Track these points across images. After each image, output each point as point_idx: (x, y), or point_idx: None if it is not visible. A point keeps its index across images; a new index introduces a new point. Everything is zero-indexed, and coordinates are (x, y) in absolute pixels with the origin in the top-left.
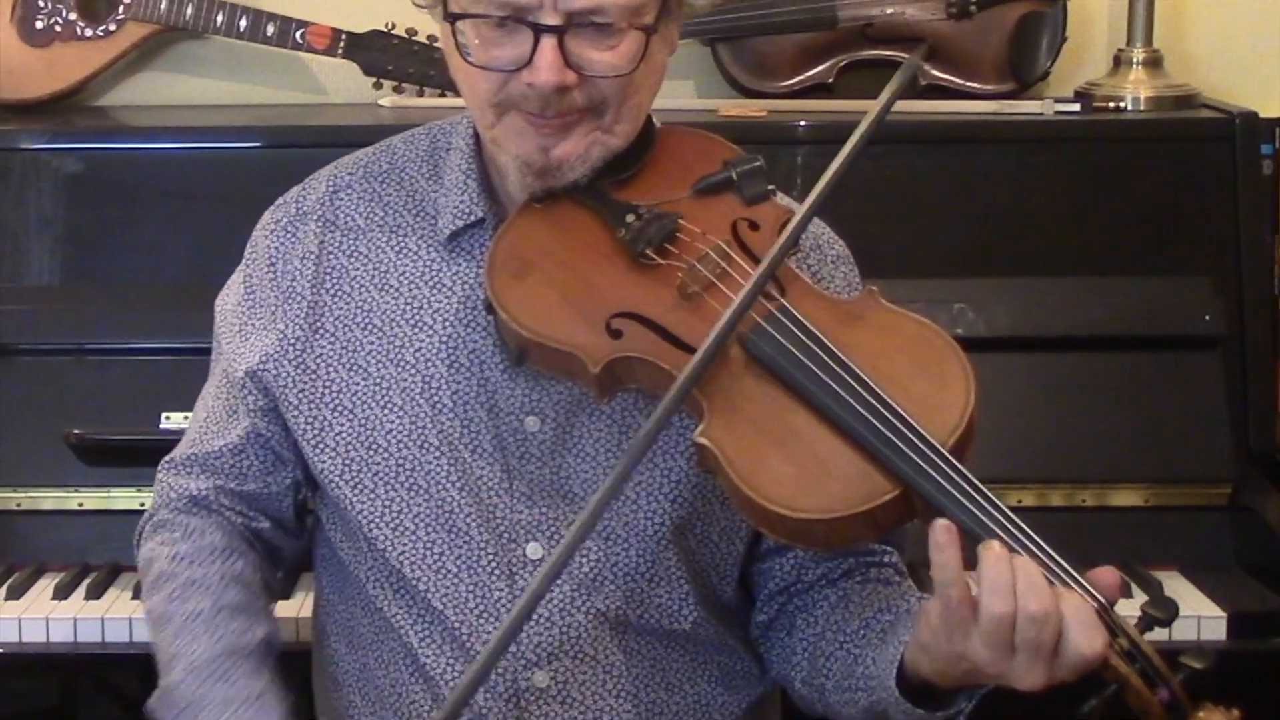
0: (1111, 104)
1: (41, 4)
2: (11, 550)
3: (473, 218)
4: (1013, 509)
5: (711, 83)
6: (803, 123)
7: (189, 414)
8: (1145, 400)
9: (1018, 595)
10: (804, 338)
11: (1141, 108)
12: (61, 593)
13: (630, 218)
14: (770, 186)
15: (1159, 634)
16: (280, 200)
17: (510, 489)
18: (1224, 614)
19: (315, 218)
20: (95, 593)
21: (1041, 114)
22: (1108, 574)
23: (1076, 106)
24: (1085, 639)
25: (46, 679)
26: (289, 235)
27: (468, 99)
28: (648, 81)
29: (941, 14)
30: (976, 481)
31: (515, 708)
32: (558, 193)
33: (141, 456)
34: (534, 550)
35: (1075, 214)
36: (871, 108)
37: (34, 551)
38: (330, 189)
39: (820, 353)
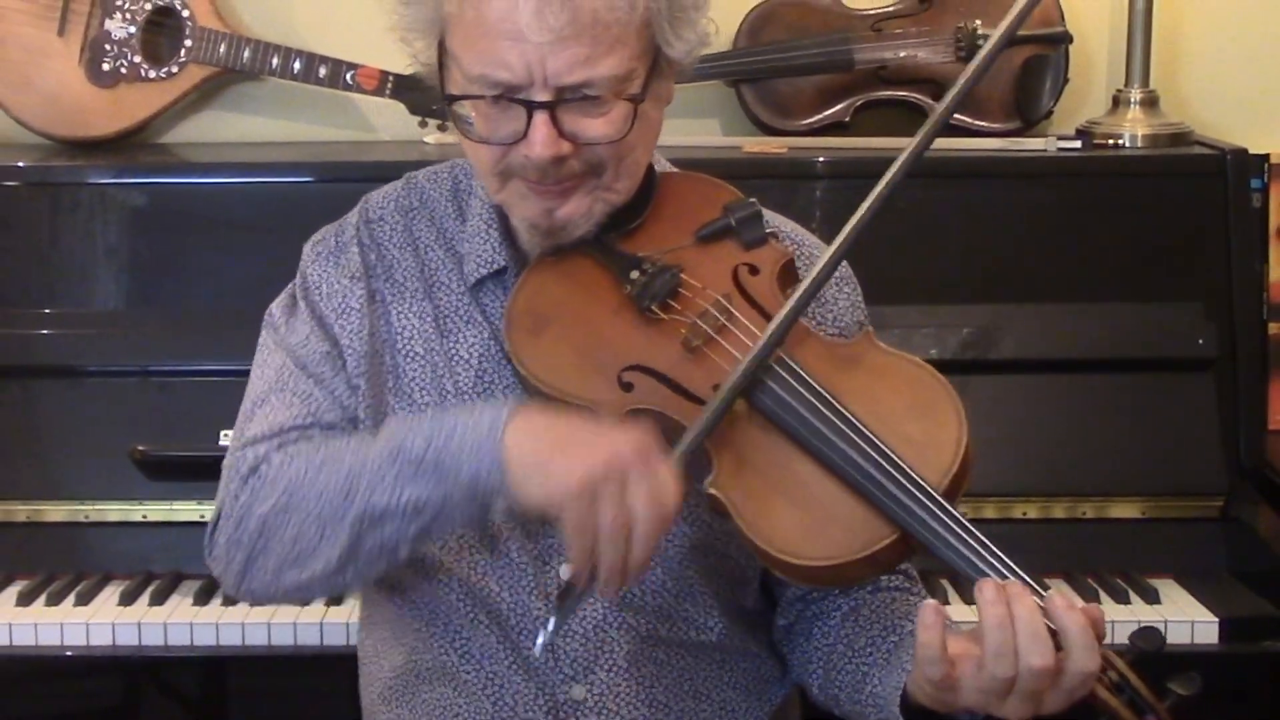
0: (1110, 141)
1: (108, 47)
2: (80, 559)
3: (495, 266)
4: (1017, 520)
5: (735, 121)
6: (821, 159)
7: None
8: (1142, 418)
9: (1019, 654)
10: (803, 390)
11: (1139, 145)
12: (126, 599)
13: (635, 273)
14: (770, 230)
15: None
16: (316, 235)
17: (544, 520)
18: (1216, 619)
19: (355, 244)
20: (158, 599)
21: (1045, 150)
22: (1093, 611)
23: (1078, 144)
24: (1086, 658)
25: (111, 680)
26: (334, 261)
27: (474, 168)
28: (643, 139)
29: (951, 57)
30: (967, 523)
31: None
32: (568, 246)
33: (201, 471)
34: (565, 571)
35: (1077, 244)
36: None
37: (101, 560)
38: (364, 219)
39: (818, 404)
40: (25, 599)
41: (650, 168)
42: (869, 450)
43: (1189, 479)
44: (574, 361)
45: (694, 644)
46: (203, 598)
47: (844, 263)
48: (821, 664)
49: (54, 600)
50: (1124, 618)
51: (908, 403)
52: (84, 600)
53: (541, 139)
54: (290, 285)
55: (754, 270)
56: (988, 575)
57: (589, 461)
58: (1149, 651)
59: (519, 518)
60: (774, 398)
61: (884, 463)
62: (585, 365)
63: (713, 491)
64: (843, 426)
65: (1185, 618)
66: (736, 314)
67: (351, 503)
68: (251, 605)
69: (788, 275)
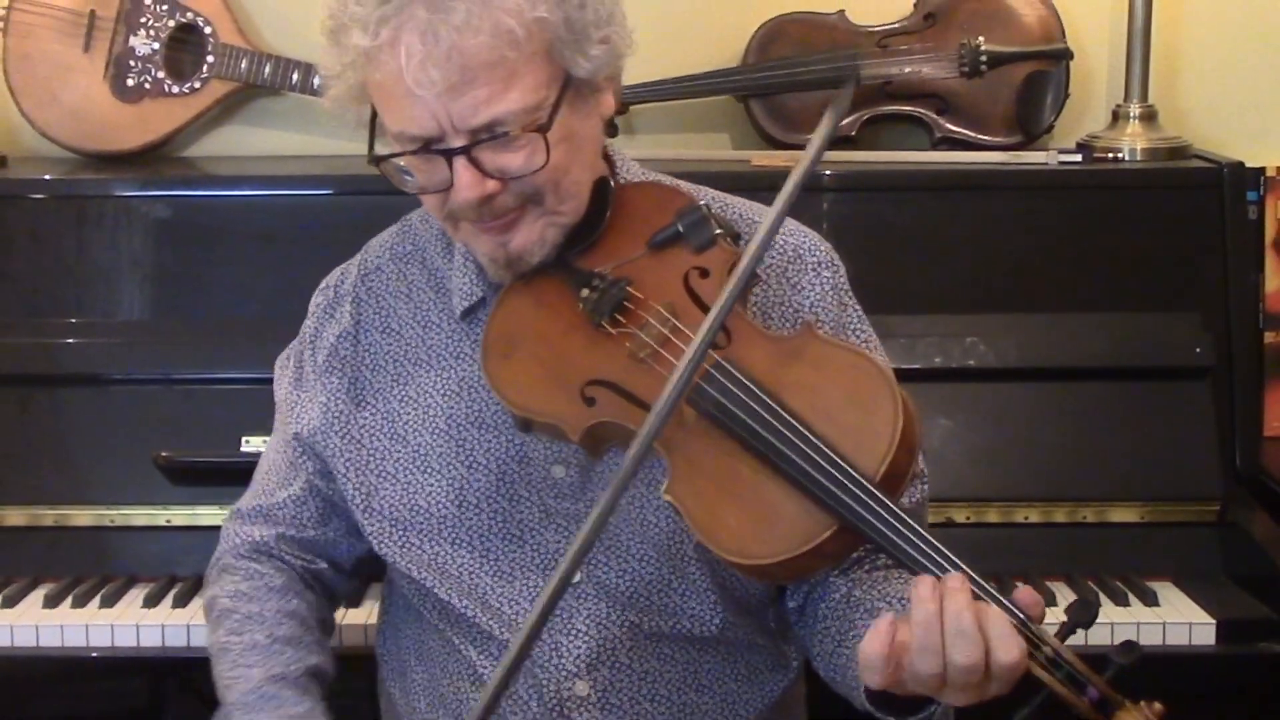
0: (1110, 155)
1: (133, 63)
2: (105, 563)
3: (475, 298)
4: (1019, 525)
5: (745, 135)
6: (828, 172)
7: (266, 438)
8: (1141, 425)
9: (946, 651)
10: (740, 391)
11: (1138, 158)
12: (151, 602)
13: (585, 291)
14: (718, 231)
15: (1153, 636)
16: (323, 283)
17: (549, 524)
18: (1213, 621)
19: (350, 299)
20: (181, 602)
21: (1046, 164)
22: (1026, 594)
23: (1078, 157)
24: (1004, 650)
25: (136, 681)
26: (328, 316)
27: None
28: (577, 158)
29: (954, 72)
30: (902, 514)
31: (560, 715)
32: (532, 271)
33: (224, 477)
34: (575, 574)
35: (1077, 255)
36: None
37: (126, 564)
38: (361, 272)
39: (753, 404)
40: (52, 601)
41: (605, 180)
42: (803, 446)
43: (1187, 485)
44: (541, 381)
45: (695, 638)
46: None
47: (823, 247)
48: (821, 642)
49: (80, 602)
50: (1123, 619)
51: (845, 393)
52: (109, 602)
53: (466, 183)
54: (301, 332)
55: (704, 273)
56: (926, 567)
57: None
58: (1082, 623)
59: None
60: (712, 401)
61: (817, 457)
62: (551, 383)
63: (668, 498)
64: (777, 425)
65: (1183, 620)
66: (680, 323)
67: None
68: None
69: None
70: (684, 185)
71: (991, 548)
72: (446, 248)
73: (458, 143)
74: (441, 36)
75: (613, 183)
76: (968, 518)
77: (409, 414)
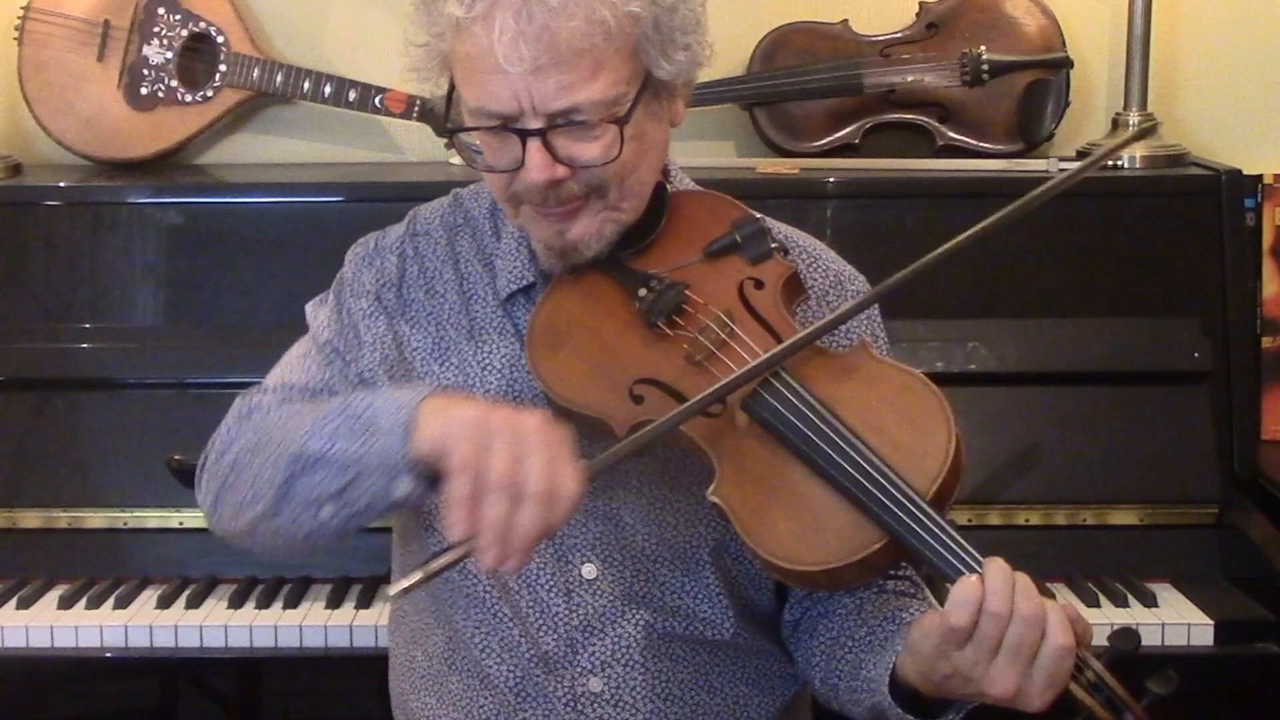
0: (1110, 162)
1: (146, 72)
2: (119, 564)
3: (525, 282)
4: (1020, 527)
5: (750, 143)
6: (832, 179)
7: None
8: (1140, 429)
9: (1015, 599)
10: (797, 401)
11: (1137, 166)
12: (164, 602)
13: (643, 290)
14: (774, 244)
15: (1152, 637)
16: (360, 240)
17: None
18: (1211, 622)
19: (395, 252)
20: (194, 603)
21: (1047, 171)
22: (1072, 609)
23: (1078, 165)
24: (1061, 632)
25: (149, 681)
26: (367, 264)
27: (492, 194)
28: (645, 158)
29: (957, 81)
30: (952, 530)
31: (574, 711)
32: (584, 265)
33: None
34: (589, 570)
35: (1077, 261)
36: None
37: (139, 565)
38: (410, 231)
39: (811, 415)
40: (66, 602)
41: (662, 186)
42: (858, 459)
43: (1185, 487)
44: (587, 375)
45: (708, 641)
46: (237, 601)
47: (860, 278)
48: (824, 657)
49: (94, 603)
50: (1123, 620)
51: (899, 411)
52: (123, 603)
53: (536, 165)
54: (337, 278)
55: (759, 284)
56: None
57: (491, 409)
58: (1126, 651)
59: (423, 485)
60: (770, 409)
61: (873, 471)
62: (598, 379)
63: (715, 499)
64: (834, 436)
65: (1182, 620)
66: (737, 329)
67: (294, 445)
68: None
69: (791, 288)
70: (737, 202)
71: (993, 549)
72: (494, 228)
73: (535, 124)
74: (536, 16)
75: (669, 187)
76: (969, 520)
77: (447, 377)
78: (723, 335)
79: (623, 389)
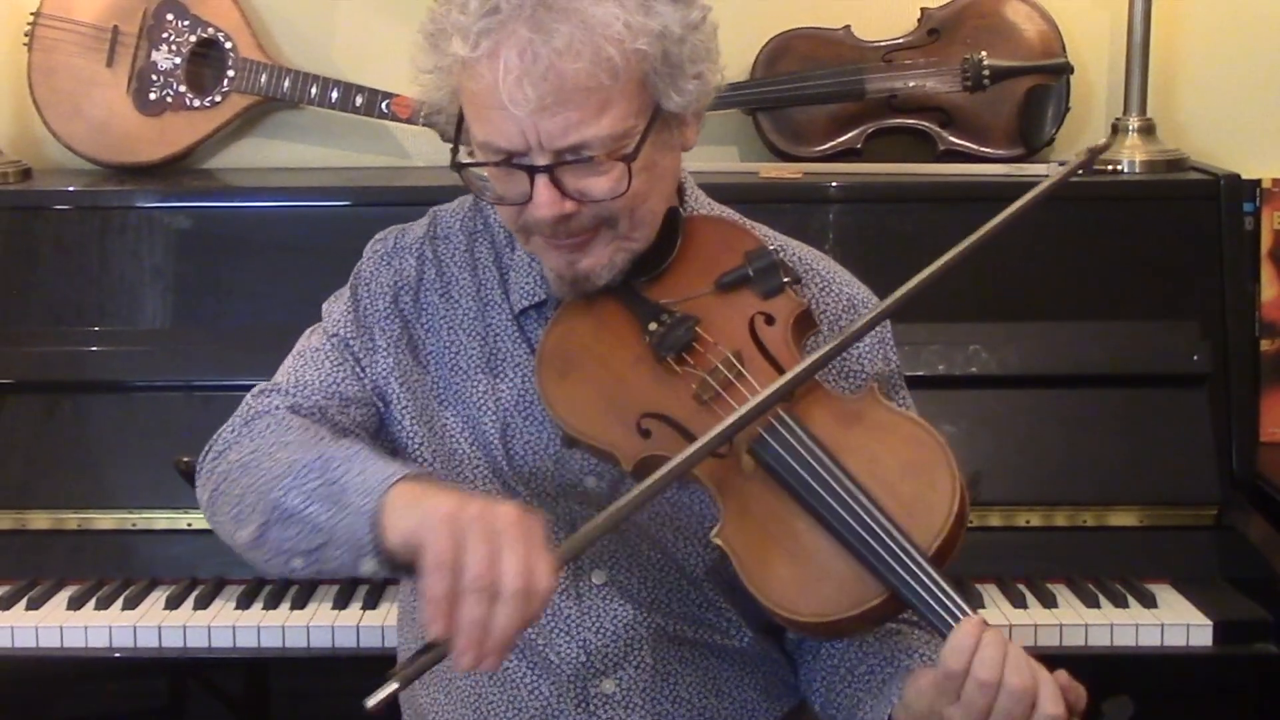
0: (1110, 167)
1: (155, 78)
2: (128, 565)
3: (537, 299)
4: (1021, 528)
5: (753, 148)
6: (834, 184)
7: None
8: (1140, 431)
9: (1005, 670)
10: (801, 448)
11: (1137, 170)
12: (172, 603)
13: (653, 324)
14: (786, 279)
15: (1151, 637)
16: (380, 235)
17: (576, 527)
18: (1210, 622)
19: (414, 254)
20: (203, 603)
21: (1047, 176)
22: (1066, 681)
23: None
24: (1051, 702)
25: (158, 681)
26: (385, 263)
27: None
28: (656, 187)
29: (958, 87)
30: (950, 589)
31: (585, 712)
32: (595, 292)
33: None
34: (598, 576)
35: (1078, 265)
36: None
37: (148, 566)
38: (430, 233)
39: (815, 463)
40: (76, 603)
41: (675, 211)
42: (860, 512)
43: (1184, 489)
44: (596, 405)
45: (719, 647)
46: (245, 602)
47: (873, 300)
48: (824, 683)
49: (103, 604)
50: (1123, 621)
51: (904, 462)
52: (132, 604)
53: (545, 201)
54: (354, 273)
55: (770, 320)
56: None
57: (464, 502)
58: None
59: (390, 568)
60: (774, 454)
61: (874, 525)
62: (607, 410)
63: (718, 541)
64: (837, 487)
65: (1181, 621)
66: (745, 371)
67: (276, 489)
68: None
69: (802, 324)
70: (748, 223)
71: (994, 551)
72: (511, 237)
73: (542, 161)
74: (541, 56)
75: (682, 211)
76: (971, 522)
77: (459, 383)
78: (730, 377)
79: (631, 422)
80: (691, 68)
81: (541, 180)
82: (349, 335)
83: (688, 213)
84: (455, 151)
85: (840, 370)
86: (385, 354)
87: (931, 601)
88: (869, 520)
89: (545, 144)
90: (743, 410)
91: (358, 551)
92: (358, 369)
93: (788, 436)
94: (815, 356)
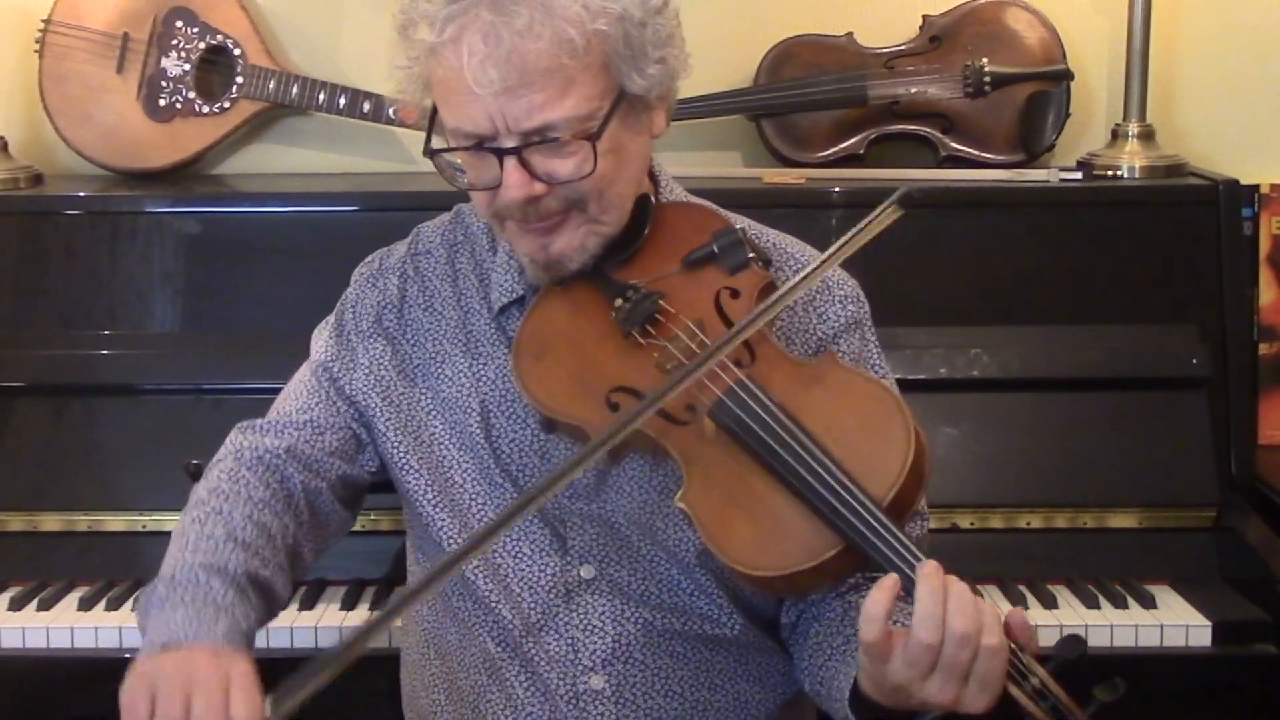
0: (1110, 172)
1: (164, 84)
2: (138, 567)
3: (515, 295)
4: (1021, 530)
5: (756, 153)
6: (837, 189)
7: None
8: (1139, 434)
9: (946, 617)
10: (759, 409)
11: (1136, 176)
12: None
13: (619, 301)
14: (751, 255)
15: (1151, 638)
16: (366, 259)
17: (564, 522)
18: (1209, 623)
19: (396, 273)
20: None
21: (1047, 181)
22: (1019, 619)
23: (1078, 175)
24: (991, 633)
25: None
26: (370, 285)
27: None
28: (624, 171)
29: (959, 93)
30: (905, 539)
31: (576, 709)
32: (570, 276)
33: None
34: (587, 571)
35: (1078, 269)
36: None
37: (157, 567)
38: (412, 251)
39: (773, 422)
40: (86, 604)
41: (646, 198)
42: (817, 467)
43: (1184, 491)
44: (567, 384)
45: (711, 638)
46: None
47: (850, 283)
48: (809, 663)
49: (113, 605)
50: (1123, 622)
51: (861, 420)
52: None
53: (514, 182)
54: (341, 299)
55: (734, 294)
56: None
57: (162, 660)
58: (1071, 658)
59: None
60: (734, 416)
61: (829, 479)
62: (577, 388)
63: (681, 505)
64: (794, 444)
65: (1180, 622)
66: (706, 337)
67: (162, 567)
68: None
69: (766, 297)
70: (722, 211)
71: (995, 552)
72: (492, 242)
73: (510, 143)
74: (503, 39)
75: (654, 200)
76: (972, 523)
77: (445, 391)
78: (691, 345)
79: (599, 397)
80: (655, 52)
81: (510, 162)
82: (329, 359)
83: (660, 202)
84: (429, 141)
85: (811, 346)
86: (366, 371)
87: (886, 550)
88: (825, 475)
89: (512, 126)
90: (690, 365)
91: None
92: (334, 393)
93: (747, 399)
94: (761, 306)
